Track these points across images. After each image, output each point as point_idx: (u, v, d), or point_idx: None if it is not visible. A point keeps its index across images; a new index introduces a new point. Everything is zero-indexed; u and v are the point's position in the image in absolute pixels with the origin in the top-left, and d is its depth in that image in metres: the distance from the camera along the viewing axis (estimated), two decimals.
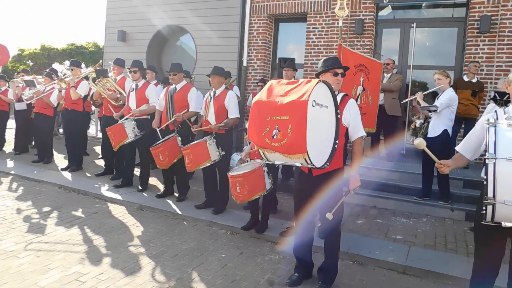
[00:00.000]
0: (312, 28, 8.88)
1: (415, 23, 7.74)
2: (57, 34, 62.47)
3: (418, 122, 6.18)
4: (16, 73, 10.44)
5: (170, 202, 5.53)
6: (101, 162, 7.98)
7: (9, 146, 9.04)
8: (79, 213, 5.04)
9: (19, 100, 8.28)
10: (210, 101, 5.13)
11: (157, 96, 6.06)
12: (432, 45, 8.42)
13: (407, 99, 6.52)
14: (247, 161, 4.88)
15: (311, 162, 2.42)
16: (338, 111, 2.76)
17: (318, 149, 2.55)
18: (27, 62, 20.31)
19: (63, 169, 7.10)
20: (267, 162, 2.71)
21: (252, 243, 4.37)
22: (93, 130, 11.61)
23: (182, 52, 11.07)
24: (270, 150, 2.46)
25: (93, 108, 9.06)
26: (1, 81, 8.76)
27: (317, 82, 2.49)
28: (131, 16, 11.05)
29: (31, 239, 4.13)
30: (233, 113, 5.09)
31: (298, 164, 2.52)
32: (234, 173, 4.17)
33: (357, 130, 3.13)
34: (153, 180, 6.52)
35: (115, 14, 11.37)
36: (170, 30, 10.81)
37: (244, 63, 9.58)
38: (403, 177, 6.15)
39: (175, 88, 5.61)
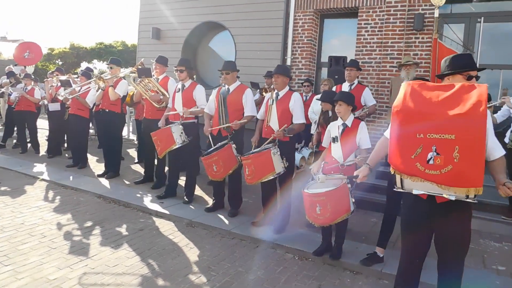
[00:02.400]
0: (364, 24, 8.13)
1: (482, 18, 6.93)
2: (86, 33, 63.30)
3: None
4: (49, 72, 10.07)
5: (221, 217, 4.92)
6: (137, 168, 7.47)
7: (41, 148, 8.64)
8: (123, 229, 4.48)
9: (53, 100, 7.84)
10: (272, 104, 4.49)
11: (205, 98, 5.49)
12: (501, 41, 7.56)
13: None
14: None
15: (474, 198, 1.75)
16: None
17: None
18: (57, 61, 20.18)
19: (99, 176, 6.60)
20: (400, 189, 2.04)
21: (328, 272, 3.71)
22: (125, 131, 11.16)
23: (219, 50, 10.48)
24: (421, 178, 1.80)
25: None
26: (28, 80, 8.35)
27: (485, 88, 1.80)
28: (166, 13, 10.54)
29: (74, 263, 3.58)
30: (299, 117, 4.44)
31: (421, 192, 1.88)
32: (313, 190, 3.51)
33: (497, 146, 2.39)
34: (197, 190, 5.92)
35: (149, 11, 10.88)
36: (207, 27, 10.24)
37: (288, 62, 8.92)
38: (486, 191, 5.36)
39: (228, 89, 4.99)
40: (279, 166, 4.20)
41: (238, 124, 4.73)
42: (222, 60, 10.33)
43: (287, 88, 4.58)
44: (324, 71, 9.19)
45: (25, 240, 4.02)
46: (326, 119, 4.63)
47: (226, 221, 4.78)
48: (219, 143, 4.82)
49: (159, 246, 4.05)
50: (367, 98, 5.63)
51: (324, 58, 9.18)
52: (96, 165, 7.51)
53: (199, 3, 9.97)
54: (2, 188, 5.78)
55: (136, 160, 7.91)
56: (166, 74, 6.20)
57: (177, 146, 5.07)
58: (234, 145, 4.69)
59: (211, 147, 4.87)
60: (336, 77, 7.46)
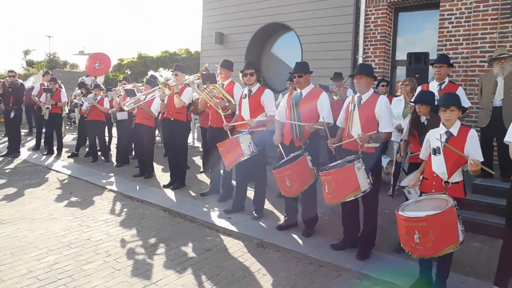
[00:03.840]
0: (448, 15, 7.21)
1: None
2: (153, 42, 66.40)
3: None
4: (119, 81, 10.27)
5: (295, 236, 4.41)
6: (203, 177, 7.21)
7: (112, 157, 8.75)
8: (189, 249, 4.13)
9: (121, 109, 7.85)
10: (354, 109, 3.90)
11: (275, 103, 5.05)
12: None
13: None
14: (410, 191, 3.58)
15: None
16: None
17: None
18: (126, 71, 21.02)
19: (165, 186, 6.40)
20: None
21: None
22: (189, 138, 11.08)
23: (284, 53, 10.01)
24: None
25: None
26: (97, 90, 8.46)
27: None
28: (229, 17, 10.30)
29: None
30: (387, 125, 3.81)
31: None
32: (411, 213, 2.88)
33: None
34: (266, 203, 5.45)
35: (212, 15, 10.72)
36: (271, 29, 9.83)
37: (360, 61, 8.20)
38: None
39: (301, 93, 4.49)
40: (364, 183, 3.58)
41: (313, 127, 4.18)
42: (287, 63, 10.05)
43: (371, 90, 3.96)
44: (400, 70, 8.36)
45: (90, 258, 3.82)
46: (418, 125, 3.94)
47: (301, 242, 4.26)
48: (292, 154, 4.32)
49: (228, 271, 3.64)
50: (462, 99, 4.82)
51: (400, 56, 8.35)
52: (161, 174, 7.37)
53: (262, 5, 9.60)
54: (73, 199, 5.76)
55: (202, 169, 7.66)
56: (231, 79, 5.85)
57: (245, 158, 4.64)
58: (309, 157, 4.16)
59: (282, 158, 4.39)
60: (417, 76, 6.66)
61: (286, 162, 4.26)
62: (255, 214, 4.98)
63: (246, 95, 5.03)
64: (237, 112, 5.27)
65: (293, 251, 4.05)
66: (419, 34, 8.29)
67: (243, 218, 4.96)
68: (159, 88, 6.34)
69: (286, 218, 4.70)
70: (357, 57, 8.27)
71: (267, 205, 5.42)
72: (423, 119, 3.93)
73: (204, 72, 5.74)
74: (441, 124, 3.32)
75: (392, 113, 4.25)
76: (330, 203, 3.74)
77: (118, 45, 68.58)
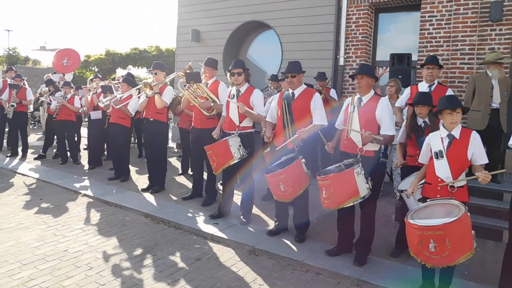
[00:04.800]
0: (429, 16, 7.26)
1: None
2: (121, 39, 64.55)
3: None
4: (89, 78, 9.76)
5: (287, 242, 4.24)
6: (182, 180, 6.92)
7: (81, 159, 8.27)
8: (178, 258, 3.87)
9: (95, 108, 7.42)
10: (353, 111, 3.76)
11: (264, 104, 4.87)
12: None
13: None
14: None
15: None
16: None
17: None
18: (93, 68, 20.20)
19: (144, 190, 6.07)
20: None
21: None
22: None
23: (264, 52, 9.83)
24: None
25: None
26: (67, 88, 7.97)
27: None
28: (206, 14, 10.01)
29: None
30: (389, 128, 3.69)
31: None
32: (422, 221, 2.77)
33: None
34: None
35: (188, 12, 10.38)
36: (250, 27, 9.62)
37: (341, 62, 8.16)
38: None
39: (293, 94, 4.32)
40: (364, 188, 3.45)
41: (306, 132, 4.02)
42: (266, 62, 9.88)
43: (372, 92, 3.83)
44: (380, 71, 8.38)
45: (70, 273, 3.48)
46: (415, 127, 3.86)
47: (295, 248, 4.09)
48: (284, 157, 4.14)
49: (223, 283, 3.41)
50: None
51: (380, 57, 8.38)
52: (138, 177, 7.01)
53: (241, 2, 9.37)
54: (44, 205, 5.34)
55: (180, 171, 7.36)
56: (215, 78, 5.60)
57: (235, 162, 4.43)
58: (303, 160, 3.99)
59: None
60: (400, 77, 6.67)
61: (279, 166, 4.08)
62: (243, 219, 4.77)
63: (234, 95, 4.81)
64: (223, 113, 5.04)
65: (287, 258, 3.88)
66: (401, 35, 8.34)
67: (231, 224, 4.74)
68: (139, 88, 6.00)
69: (276, 223, 4.52)
70: (338, 57, 8.21)
71: (253, 209, 5.22)
72: (420, 121, 3.86)
73: (188, 71, 5.47)
74: (441, 127, 3.24)
75: (393, 116, 4.17)
76: (327, 209, 3.59)
77: (84, 41, 66.27)
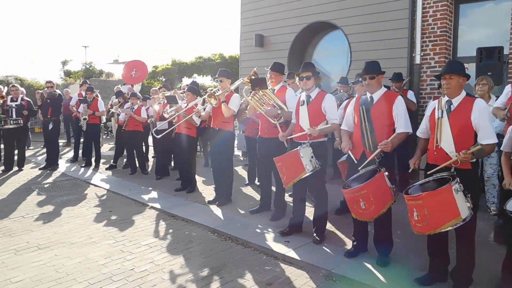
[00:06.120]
0: None
1: None
2: (186, 48, 67.07)
3: None
4: (153, 88, 9.93)
5: (369, 266, 3.74)
6: (249, 191, 6.65)
7: (149, 169, 8.35)
8: (248, 282, 3.54)
9: (161, 118, 7.43)
10: (442, 117, 3.20)
11: (336, 109, 4.42)
12: None
13: None
14: None
15: None
16: None
17: None
18: (160, 78, 20.88)
19: (210, 202, 5.87)
20: None
21: None
22: None
23: (330, 53, 9.33)
24: None
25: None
26: (134, 98, 8.06)
27: None
28: (269, 17, 9.75)
29: None
30: (489, 135, 3.08)
31: None
32: None
33: None
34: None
35: (251, 17, 10.19)
36: (315, 29, 9.18)
37: (417, 60, 7.45)
38: None
39: (372, 98, 3.82)
40: (465, 208, 2.87)
41: (389, 145, 3.52)
42: (331, 65, 9.37)
43: (463, 93, 3.25)
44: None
45: None
46: None
47: (378, 274, 3.58)
48: (363, 169, 3.66)
49: None
50: None
51: (463, 52, 7.52)
52: (204, 188, 6.86)
53: (305, 3, 8.99)
54: (113, 218, 5.33)
55: (247, 182, 7.10)
56: (282, 83, 5.26)
57: (307, 174, 4.02)
58: (386, 173, 3.49)
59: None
60: (489, 73, 5.85)
61: (358, 179, 3.62)
62: (317, 237, 4.33)
63: (304, 101, 4.42)
64: (293, 121, 4.68)
65: (370, 286, 3.39)
66: (484, 27, 7.43)
67: (303, 242, 4.33)
68: (203, 98, 5.83)
69: (354, 243, 4.03)
70: (414, 55, 7.50)
71: (327, 225, 4.76)
72: None
73: (253, 77, 5.18)
74: None
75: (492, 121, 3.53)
76: (420, 233, 3.04)
77: (152, 52, 69.61)
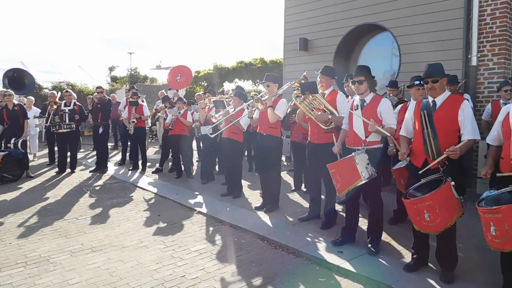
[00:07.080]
0: None
1: None
2: (228, 53, 67.83)
3: None
4: (196, 94, 10.03)
5: (432, 282, 3.50)
6: (296, 197, 6.52)
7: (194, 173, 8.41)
8: None
9: (206, 123, 7.46)
10: None
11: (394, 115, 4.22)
12: None
13: None
14: None
15: None
16: None
17: None
18: (202, 83, 21.18)
19: (257, 208, 5.80)
20: None
21: None
22: None
23: (378, 56, 9.04)
24: None
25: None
26: (180, 103, 8.17)
27: None
28: (313, 21, 9.59)
29: None
30: None
31: None
32: None
33: None
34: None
35: (295, 21, 10.07)
36: (362, 31, 8.93)
37: (473, 62, 7.03)
38: None
39: (434, 102, 3.60)
40: None
41: (457, 151, 3.28)
42: (378, 68, 9.06)
43: None
44: None
45: None
46: None
47: None
48: (426, 178, 3.44)
49: None
50: None
51: None
52: (250, 193, 6.80)
53: (350, 5, 8.76)
54: (162, 222, 5.37)
55: (293, 188, 6.97)
56: (333, 87, 5.10)
57: (363, 182, 3.85)
58: (453, 183, 3.26)
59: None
60: None
61: (420, 189, 3.40)
62: (372, 248, 4.13)
63: (357, 106, 4.25)
64: (343, 127, 4.52)
65: None
66: None
67: (357, 253, 4.14)
68: (250, 103, 5.77)
69: (414, 256, 3.81)
70: (470, 56, 7.09)
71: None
72: None
73: (303, 81, 5.07)
74: None
75: None
76: (496, 249, 2.80)
77: (193, 58, 71.00)
